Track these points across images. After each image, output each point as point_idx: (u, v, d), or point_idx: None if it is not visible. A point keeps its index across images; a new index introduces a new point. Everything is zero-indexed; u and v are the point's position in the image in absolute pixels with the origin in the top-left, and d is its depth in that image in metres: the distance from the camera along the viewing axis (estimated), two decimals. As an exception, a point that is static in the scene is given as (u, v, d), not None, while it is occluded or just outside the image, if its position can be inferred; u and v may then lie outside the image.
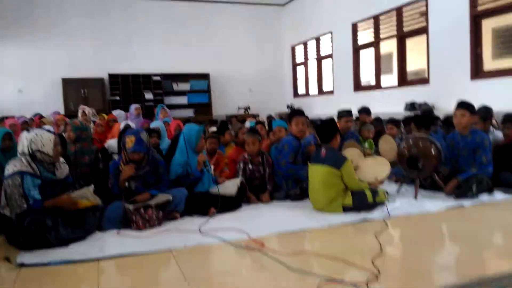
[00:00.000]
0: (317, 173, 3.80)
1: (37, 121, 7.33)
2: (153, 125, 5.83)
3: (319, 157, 3.84)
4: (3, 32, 10.36)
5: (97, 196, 3.43)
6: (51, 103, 10.51)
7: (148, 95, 11.34)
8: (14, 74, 10.51)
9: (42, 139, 3.20)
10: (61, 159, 3.47)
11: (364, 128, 6.07)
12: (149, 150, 3.79)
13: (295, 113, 4.63)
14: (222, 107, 12.26)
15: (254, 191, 4.30)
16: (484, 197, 4.06)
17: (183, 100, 11.92)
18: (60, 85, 10.69)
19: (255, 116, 11.57)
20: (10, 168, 3.12)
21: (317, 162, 3.82)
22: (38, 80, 10.64)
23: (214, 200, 3.84)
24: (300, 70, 12.68)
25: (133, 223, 3.41)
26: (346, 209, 3.66)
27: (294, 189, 4.32)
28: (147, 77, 11.34)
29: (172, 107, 11.19)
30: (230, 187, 4.03)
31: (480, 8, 6.47)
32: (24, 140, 3.20)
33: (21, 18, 10.47)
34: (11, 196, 3.04)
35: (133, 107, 7.69)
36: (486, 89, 6.33)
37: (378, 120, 7.01)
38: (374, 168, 4.21)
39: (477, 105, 5.56)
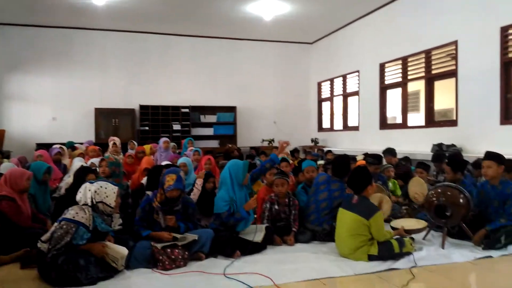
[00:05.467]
0: (345, 219, 3.76)
1: (69, 152, 7.56)
2: (181, 160, 5.95)
3: (350, 203, 3.81)
4: (41, 62, 10.97)
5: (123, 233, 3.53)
6: (83, 131, 10.99)
7: (176, 126, 11.67)
8: (49, 102, 11.03)
9: (106, 191, 3.32)
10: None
11: (386, 169, 6.07)
12: (184, 189, 3.92)
13: None
14: (247, 139, 12.47)
15: (279, 232, 4.31)
16: (513, 249, 3.98)
17: (209, 131, 12.20)
18: (92, 114, 11.14)
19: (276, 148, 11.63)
20: (72, 213, 3.19)
21: (348, 209, 3.78)
22: (71, 109, 11.14)
23: (240, 243, 3.88)
24: (326, 105, 12.81)
25: (160, 263, 3.48)
26: (371, 258, 3.62)
27: (326, 225, 4.33)
28: (176, 109, 11.72)
29: (198, 138, 11.49)
30: (257, 232, 4.06)
31: (511, 55, 6.45)
32: (88, 192, 3.30)
33: (59, 50, 11.08)
34: (57, 239, 3.11)
35: (162, 140, 7.77)
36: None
37: (406, 159, 6.95)
38: (408, 222, 4.22)
39: (508, 150, 5.52)
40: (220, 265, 3.56)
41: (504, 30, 6.50)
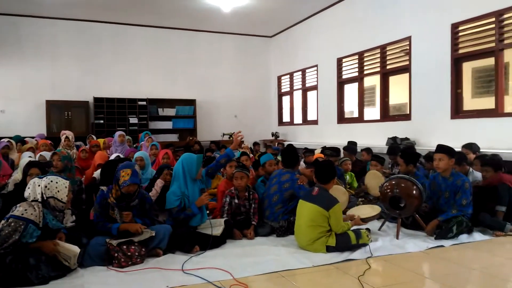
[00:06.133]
0: (305, 210, 3.80)
1: (18, 146, 7.17)
2: (138, 154, 5.78)
3: (310, 195, 3.86)
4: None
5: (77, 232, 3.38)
6: (34, 124, 10.47)
7: (133, 120, 11.32)
8: (-4, 93, 10.39)
9: (57, 186, 3.15)
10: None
11: (343, 162, 6.20)
12: (141, 183, 3.79)
13: None
14: (207, 133, 12.32)
15: (239, 226, 4.29)
16: (464, 238, 4.17)
17: (168, 125, 11.93)
18: (43, 107, 10.61)
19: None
20: (21, 210, 3.00)
21: (308, 200, 3.83)
22: (21, 101, 10.55)
23: (199, 238, 3.82)
24: (286, 99, 12.89)
25: (115, 260, 3.36)
26: (329, 249, 3.68)
27: (282, 221, 4.33)
28: (132, 101, 11.36)
29: (156, 131, 11.22)
30: (216, 226, 4.01)
31: (461, 51, 6.73)
32: (37, 187, 3.12)
33: (7, 38, 10.44)
34: (5, 237, 2.92)
35: (117, 134, 7.48)
36: (466, 128, 6.54)
37: (368, 150, 7.09)
38: (363, 209, 4.30)
39: (458, 143, 5.76)
40: (178, 261, 3.49)
41: (454, 26, 6.76)
